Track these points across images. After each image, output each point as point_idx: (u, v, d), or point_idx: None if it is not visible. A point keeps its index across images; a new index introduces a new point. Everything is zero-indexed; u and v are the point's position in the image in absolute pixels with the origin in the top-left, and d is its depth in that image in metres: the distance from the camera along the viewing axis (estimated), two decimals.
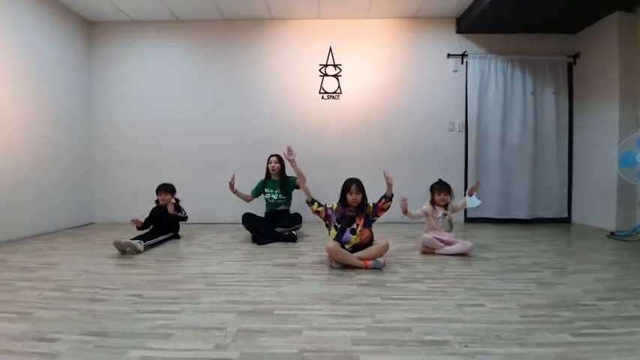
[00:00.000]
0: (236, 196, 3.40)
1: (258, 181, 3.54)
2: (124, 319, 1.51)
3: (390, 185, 2.39)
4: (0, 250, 2.80)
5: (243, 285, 1.95)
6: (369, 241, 2.41)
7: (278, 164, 3.45)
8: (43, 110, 3.62)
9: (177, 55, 4.33)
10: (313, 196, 2.49)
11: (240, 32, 4.27)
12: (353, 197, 2.38)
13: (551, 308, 1.61)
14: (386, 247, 2.34)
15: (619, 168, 3.19)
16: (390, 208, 2.45)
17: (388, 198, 2.41)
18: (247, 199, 3.48)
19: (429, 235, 2.69)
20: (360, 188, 2.40)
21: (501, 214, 4.16)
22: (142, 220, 3.12)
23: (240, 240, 3.24)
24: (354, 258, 2.26)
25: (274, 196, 3.42)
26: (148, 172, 4.13)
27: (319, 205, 2.45)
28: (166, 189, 3.23)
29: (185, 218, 3.27)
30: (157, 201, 3.22)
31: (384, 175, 2.40)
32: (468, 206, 2.88)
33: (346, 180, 2.45)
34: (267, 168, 3.48)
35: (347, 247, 2.35)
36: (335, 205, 2.45)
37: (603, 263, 2.46)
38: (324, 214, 2.45)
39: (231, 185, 3.31)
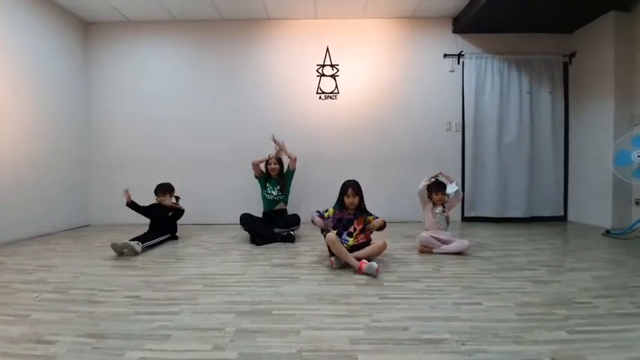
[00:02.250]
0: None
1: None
2: (122, 320, 1.51)
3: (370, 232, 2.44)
4: None
5: (242, 285, 1.96)
6: (367, 242, 2.42)
7: (277, 165, 3.48)
8: (41, 111, 3.61)
9: (175, 55, 4.32)
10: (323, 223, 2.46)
11: (237, 32, 4.27)
12: (350, 200, 2.38)
13: (548, 306, 1.62)
14: (383, 247, 2.35)
15: (614, 166, 3.21)
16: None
17: (370, 232, 2.43)
18: (257, 168, 3.49)
19: (426, 235, 2.70)
20: (358, 191, 2.40)
21: (498, 212, 4.17)
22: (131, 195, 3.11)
23: (238, 241, 3.24)
24: (351, 257, 2.25)
25: (274, 192, 3.45)
26: (147, 173, 4.11)
27: (328, 231, 2.39)
28: (163, 189, 3.21)
29: (182, 210, 3.30)
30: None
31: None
32: (447, 192, 2.77)
33: (343, 182, 2.45)
34: (267, 169, 3.51)
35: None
36: (332, 211, 2.46)
37: (599, 261, 2.47)
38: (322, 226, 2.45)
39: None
